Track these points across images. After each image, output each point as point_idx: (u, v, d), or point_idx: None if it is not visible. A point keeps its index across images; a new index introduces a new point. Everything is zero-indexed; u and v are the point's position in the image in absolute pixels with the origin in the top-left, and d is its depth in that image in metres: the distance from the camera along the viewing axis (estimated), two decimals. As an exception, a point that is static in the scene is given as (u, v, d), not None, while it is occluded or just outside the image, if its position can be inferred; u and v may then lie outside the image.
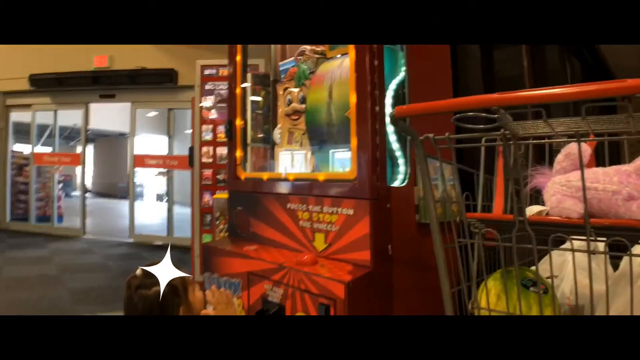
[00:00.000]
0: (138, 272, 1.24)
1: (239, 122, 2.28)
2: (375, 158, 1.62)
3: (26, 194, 7.96)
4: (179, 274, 1.25)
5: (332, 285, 1.48)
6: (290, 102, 2.24)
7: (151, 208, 12.98)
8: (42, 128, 10.56)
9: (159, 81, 6.55)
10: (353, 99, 1.68)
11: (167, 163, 7.08)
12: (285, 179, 1.95)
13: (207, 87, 4.00)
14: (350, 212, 1.62)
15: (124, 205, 12.45)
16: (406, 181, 1.78)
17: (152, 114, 13.69)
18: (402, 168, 1.81)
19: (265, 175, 2.08)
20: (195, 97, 4.04)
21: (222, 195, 3.41)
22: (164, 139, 7.18)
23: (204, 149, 3.80)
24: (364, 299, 1.53)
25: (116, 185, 16.50)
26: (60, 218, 8.06)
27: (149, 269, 1.24)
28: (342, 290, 1.45)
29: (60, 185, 8.88)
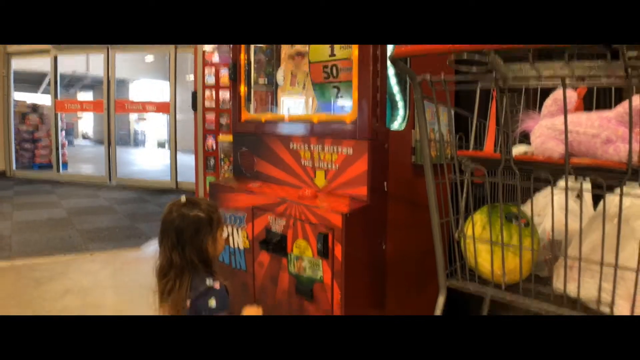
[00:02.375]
0: (183, 198, 1.35)
1: (242, 64, 2.34)
2: (375, 100, 1.70)
3: (31, 143, 8.03)
4: (219, 214, 1.38)
5: (331, 216, 1.61)
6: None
7: (153, 154, 13.04)
8: (41, 76, 10.47)
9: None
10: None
11: (146, 108, 7.11)
12: (288, 121, 2.04)
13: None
14: (350, 151, 1.73)
15: (125, 152, 12.59)
16: (404, 124, 1.87)
17: (151, 59, 13.50)
18: (401, 111, 1.90)
19: (268, 117, 2.16)
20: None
21: (227, 137, 3.51)
22: (165, 84, 7.15)
23: (207, 92, 3.84)
24: (359, 228, 1.66)
25: (118, 133, 16.54)
26: (65, 165, 8.17)
27: (192, 199, 1.37)
28: (340, 220, 1.58)
29: (63, 133, 8.94)
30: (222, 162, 3.45)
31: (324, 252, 1.64)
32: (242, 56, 2.35)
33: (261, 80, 2.50)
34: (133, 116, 16.64)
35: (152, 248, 3.73)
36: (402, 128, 1.86)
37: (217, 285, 1.31)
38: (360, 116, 1.71)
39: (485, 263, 1.55)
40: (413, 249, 2.03)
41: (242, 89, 2.31)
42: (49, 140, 7.99)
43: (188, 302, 1.29)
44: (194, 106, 3.96)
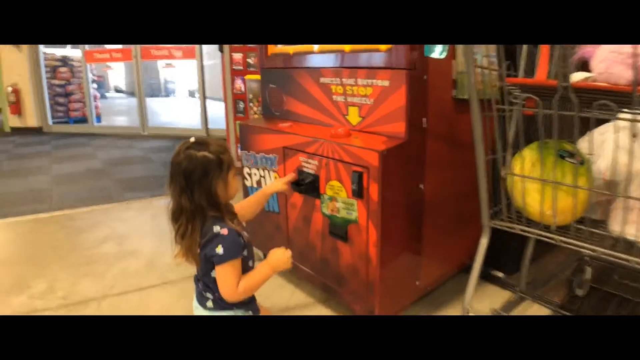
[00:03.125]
0: (192, 139, 1.28)
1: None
2: (412, 25, 1.54)
3: (64, 97, 8.09)
4: (229, 154, 1.28)
5: (366, 154, 1.51)
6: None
7: (184, 104, 13.05)
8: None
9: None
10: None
11: (171, 54, 6.97)
12: (318, 52, 1.90)
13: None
14: (386, 83, 1.59)
15: (156, 102, 12.64)
16: (445, 53, 1.70)
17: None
18: (440, 40, 1.73)
19: (296, 49, 2.02)
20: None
21: (254, 76, 3.38)
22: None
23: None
24: (396, 167, 1.56)
25: (148, 83, 16.64)
26: (98, 118, 8.26)
27: (202, 139, 1.28)
28: (377, 158, 1.48)
29: (95, 86, 8.98)
30: (251, 104, 3.35)
31: (359, 192, 1.55)
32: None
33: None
34: (162, 65, 16.60)
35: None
36: (443, 56, 1.69)
37: (224, 231, 1.23)
38: (397, 45, 1.56)
39: (534, 203, 1.43)
40: (452, 190, 1.92)
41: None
42: (81, 93, 8.04)
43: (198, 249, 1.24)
44: (221, 47, 3.83)
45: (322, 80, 1.84)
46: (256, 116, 3.44)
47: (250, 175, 2.17)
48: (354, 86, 1.71)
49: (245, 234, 1.33)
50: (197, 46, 6.53)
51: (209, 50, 6.67)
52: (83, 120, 8.00)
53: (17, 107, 7.38)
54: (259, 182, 2.11)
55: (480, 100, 1.80)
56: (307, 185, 1.75)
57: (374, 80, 1.63)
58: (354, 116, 1.74)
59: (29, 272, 2.41)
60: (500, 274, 2.18)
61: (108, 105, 12.07)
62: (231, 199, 1.33)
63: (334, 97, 1.80)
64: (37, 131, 7.49)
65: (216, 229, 1.23)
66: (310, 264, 1.91)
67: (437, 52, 1.70)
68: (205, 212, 1.24)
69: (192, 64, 6.86)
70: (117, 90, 18.70)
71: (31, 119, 7.50)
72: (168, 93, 17.18)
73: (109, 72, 17.43)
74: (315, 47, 1.90)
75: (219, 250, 1.21)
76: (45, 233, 3.01)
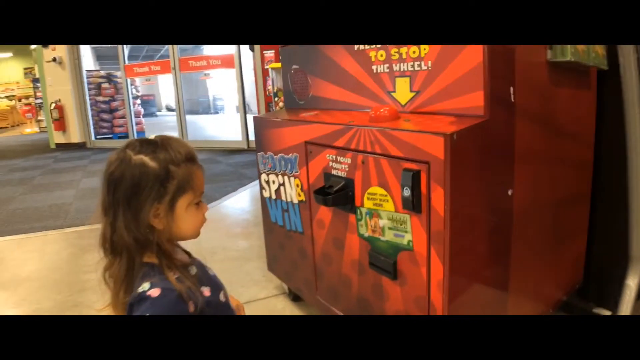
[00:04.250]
0: (151, 136, 0.82)
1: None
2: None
3: (108, 113, 8.07)
4: (190, 169, 0.79)
5: (425, 141, 0.96)
6: None
7: (231, 119, 13.15)
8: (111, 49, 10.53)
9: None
10: None
11: (210, 64, 6.65)
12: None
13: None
14: (452, 33, 1.04)
15: (203, 119, 12.63)
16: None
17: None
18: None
19: None
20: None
21: (277, 64, 2.91)
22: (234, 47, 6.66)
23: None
24: (474, 160, 0.99)
25: (198, 101, 16.79)
26: (141, 133, 8.15)
27: (159, 138, 0.81)
28: (442, 146, 0.92)
29: (138, 102, 8.94)
30: (276, 98, 2.87)
31: (414, 202, 1.00)
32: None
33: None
34: (210, 84, 16.71)
35: (212, 210, 3.31)
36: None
37: (154, 293, 0.72)
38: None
39: None
40: (549, 198, 1.33)
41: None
42: (125, 109, 7.99)
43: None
44: (252, 47, 3.42)
45: (357, 47, 1.31)
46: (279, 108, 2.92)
47: (268, 183, 1.66)
48: (402, 47, 1.16)
49: (204, 290, 0.81)
50: (235, 53, 6.18)
51: (245, 57, 6.31)
52: (127, 136, 7.92)
53: (61, 124, 7.39)
54: (277, 192, 1.60)
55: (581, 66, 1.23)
56: (337, 195, 1.20)
57: (434, 33, 1.08)
58: (403, 91, 1.19)
59: (13, 298, 2.05)
60: (607, 312, 1.55)
61: (157, 123, 12.18)
62: (186, 238, 0.82)
63: (374, 67, 1.26)
64: (80, 146, 7.46)
65: (144, 286, 0.72)
66: (343, 306, 1.36)
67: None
68: (131, 252, 0.75)
69: (231, 74, 6.52)
70: (169, 109, 19.16)
71: (74, 135, 7.49)
72: (217, 110, 17.29)
73: (161, 91, 17.89)
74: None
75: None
76: (50, 253, 2.65)
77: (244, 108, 6.41)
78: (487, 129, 1.00)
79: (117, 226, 0.74)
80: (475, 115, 1.02)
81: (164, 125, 11.97)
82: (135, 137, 6.34)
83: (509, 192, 1.12)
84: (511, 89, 1.07)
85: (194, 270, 0.83)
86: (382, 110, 1.14)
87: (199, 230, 0.83)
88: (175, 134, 8.45)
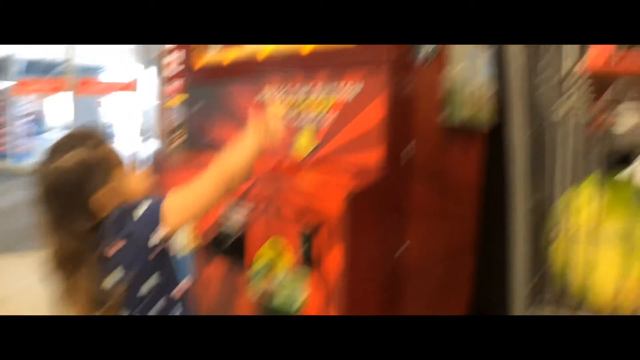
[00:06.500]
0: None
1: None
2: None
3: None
4: (103, 150, 0.82)
5: (323, 198, 0.94)
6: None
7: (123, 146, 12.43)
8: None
9: None
10: None
11: (111, 88, 6.38)
12: (265, 58, 1.35)
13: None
14: (357, 87, 1.05)
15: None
16: (434, 51, 1.19)
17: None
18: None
19: (234, 57, 1.47)
20: None
21: (180, 98, 2.79)
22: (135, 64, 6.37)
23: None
24: (371, 217, 0.99)
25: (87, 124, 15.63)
26: (22, 156, 7.32)
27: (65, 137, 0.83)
28: (339, 204, 0.91)
29: (24, 120, 8.12)
30: (177, 133, 2.74)
31: (310, 257, 0.97)
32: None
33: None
34: (105, 108, 15.76)
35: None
36: (434, 55, 1.18)
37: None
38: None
39: (606, 281, 0.87)
40: (439, 252, 1.38)
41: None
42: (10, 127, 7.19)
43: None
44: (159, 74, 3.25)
45: (263, 94, 1.28)
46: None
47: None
48: (307, 98, 1.16)
49: None
50: (135, 79, 5.91)
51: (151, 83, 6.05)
52: (4, 156, 7.10)
53: None
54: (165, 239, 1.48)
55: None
56: (231, 248, 1.13)
57: (339, 84, 1.09)
58: (306, 141, 1.18)
59: None
60: None
61: (41, 145, 11.10)
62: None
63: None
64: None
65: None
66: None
67: (424, 50, 1.18)
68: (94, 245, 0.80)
69: (130, 100, 6.20)
70: (57, 130, 17.66)
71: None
72: (111, 135, 16.26)
73: (51, 110, 16.45)
74: (260, 51, 1.35)
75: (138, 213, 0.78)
76: None
77: (141, 137, 6.09)
78: (383, 187, 1.02)
79: (75, 230, 0.77)
80: (373, 172, 1.03)
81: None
82: (17, 159, 5.69)
83: (403, 247, 1.14)
84: (408, 147, 1.11)
85: None
86: (284, 160, 1.11)
87: (147, 185, 0.88)
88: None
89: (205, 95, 1.56)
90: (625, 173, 0.97)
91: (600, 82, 0.93)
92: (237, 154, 0.83)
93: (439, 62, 1.21)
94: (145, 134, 6.20)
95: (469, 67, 1.29)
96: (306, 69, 1.17)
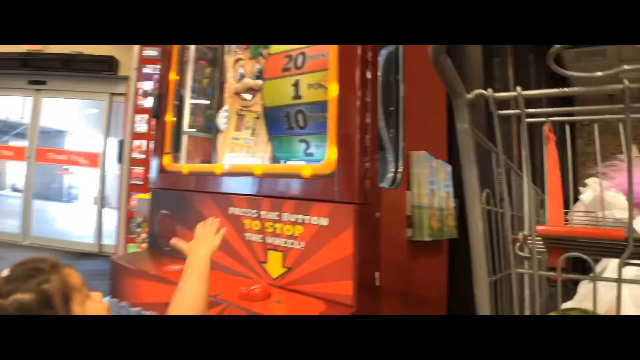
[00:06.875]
0: (4, 273, 0.79)
1: (171, 96, 1.70)
2: (364, 145, 1.10)
3: None
4: (60, 277, 0.79)
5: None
6: (242, 76, 1.69)
7: (86, 212, 11.88)
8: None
9: (97, 69, 5.74)
10: (334, 58, 1.16)
11: (71, 159, 6.28)
12: (223, 174, 1.39)
13: (145, 70, 3.36)
14: (324, 221, 1.09)
15: (52, 207, 11.28)
16: (396, 183, 1.28)
17: (94, 111, 12.56)
18: (390, 164, 1.31)
19: (193, 168, 1.51)
20: (130, 82, 3.39)
21: (147, 195, 2.78)
22: (100, 135, 6.32)
23: (136, 142, 3.14)
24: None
25: (49, 186, 15.12)
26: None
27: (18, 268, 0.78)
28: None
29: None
30: (139, 229, 2.70)
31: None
32: (171, 86, 1.72)
33: (198, 125, 1.87)
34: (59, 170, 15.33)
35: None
36: (397, 186, 1.26)
37: None
38: (342, 167, 1.09)
39: None
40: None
41: (167, 126, 1.66)
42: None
43: None
44: (120, 157, 3.25)
45: (231, 210, 1.30)
46: (143, 246, 2.74)
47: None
48: (277, 222, 1.18)
49: None
50: (101, 154, 5.84)
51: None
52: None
53: None
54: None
55: (436, 241, 1.37)
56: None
57: (307, 217, 1.12)
58: (275, 265, 1.19)
59: None
60: None
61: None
62: None
63: (247, 235, 1.25)
64: None
65: None
66: None
67: (386, 183, 1.26)
68: None
69: (96, 172, 6.08)
70: (14, 189, 16.92)
71: None
72: (70, 199, 15.69)
73: (7, 167, 15.86)
74: (224, 166, 1.39)
75: None
76: None
77: (101, 210, 5.92)
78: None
79: None
80: (344, 303, 1.04)
81: (5, 209, 10.40)
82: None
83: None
84: (376, 274, 1.13)
85: None
86: (254, 287, 1.11)
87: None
88: (17, 222, 7.39)
89: (170, 199, 1.57)
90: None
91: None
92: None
93: (403, 184, 1.28)
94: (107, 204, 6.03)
95: (429, 188, 1.36)
96: (275, 194, 1.21)
